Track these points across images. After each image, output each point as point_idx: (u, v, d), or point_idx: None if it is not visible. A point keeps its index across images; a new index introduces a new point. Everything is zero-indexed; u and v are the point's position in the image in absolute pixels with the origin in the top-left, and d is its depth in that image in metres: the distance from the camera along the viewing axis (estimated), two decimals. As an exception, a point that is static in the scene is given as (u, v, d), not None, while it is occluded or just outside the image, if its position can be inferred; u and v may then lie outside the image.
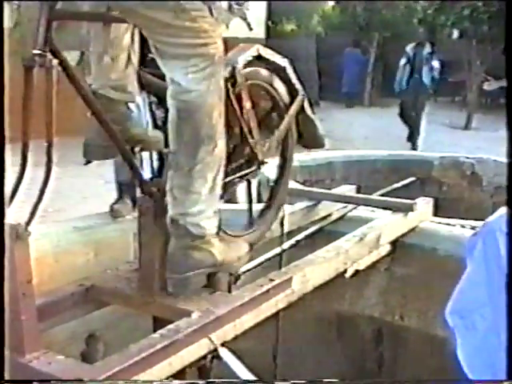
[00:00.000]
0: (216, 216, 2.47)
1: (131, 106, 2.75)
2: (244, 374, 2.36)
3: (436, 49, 12.14)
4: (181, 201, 2.37)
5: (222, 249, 2.51)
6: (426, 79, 11.88)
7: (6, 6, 1.93)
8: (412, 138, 11.94)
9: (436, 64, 12.01)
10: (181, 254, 2.43)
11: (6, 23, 1.89)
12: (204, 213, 2.40)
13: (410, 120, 12.06)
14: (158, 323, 2.54)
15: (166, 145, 2.49)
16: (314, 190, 4.44)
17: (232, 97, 2.60)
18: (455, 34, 18.22)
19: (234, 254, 2.61)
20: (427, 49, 11.87)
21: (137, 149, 2.74)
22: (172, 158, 2.37)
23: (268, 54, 2.85)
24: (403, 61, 11.92)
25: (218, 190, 2.44)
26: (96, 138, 2.47)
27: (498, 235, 2.76)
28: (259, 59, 2.81)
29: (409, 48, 11.98)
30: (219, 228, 2.53)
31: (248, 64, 2.72)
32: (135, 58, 2.61)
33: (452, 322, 2.87)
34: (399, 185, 5.10)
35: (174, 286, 2.49)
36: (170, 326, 2.32)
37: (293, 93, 2.99)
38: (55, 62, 1.96)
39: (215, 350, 2.38)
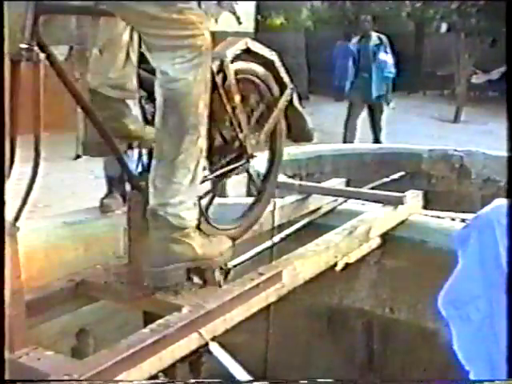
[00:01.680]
0: (196, 208, 2.46)
1: (129, 102, 2.75)
2: (235, 368, 2.35)
3: (386, 39, 10.07)
4: (162, 191, 2.36)
5: (202, 242, 2.50)
6: (375, 77, 9.93)
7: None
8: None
9: (384, 57, 9.89)
10: (160, 246, 2.41)
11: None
12: (184, 203, 2.38)
13: (352, 129, 10.10)
14: (149, 318, 2.53)
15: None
16: (304, 183, 4.42)
17: (221, 90, 2.59)
18: (443, 27, 18.27)
19: (216, 248, 2.59)
20: (374, 41, 9.96)
21: (134, 145, 2.75)
22: (156, 148, 2.36)
23: (256, 47, 2.84)
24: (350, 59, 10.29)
25: (198, 182, 2.44)
26: (95, 135, 2.47)
27: (495, 227, 2.77)
28: (248, 53, 2.80)
29: (352, 43, 10.44)
30: (199, 220, 2.51)
31: (237, 57, 2.71)
32: (134, 57, 2.61)
33: (446, 313, 2.89)
34: (388, 179, 5.09)
35: (152, 279, 2.47)
36: (160, 321, 2.31)
37: (281, 86, 2.97)
38: (42, 56, 1.94)
39: (206, 344, 2.37)
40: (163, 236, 2.41)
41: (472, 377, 2.68)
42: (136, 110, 2.83)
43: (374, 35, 10.02)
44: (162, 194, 2.36)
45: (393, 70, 10.14)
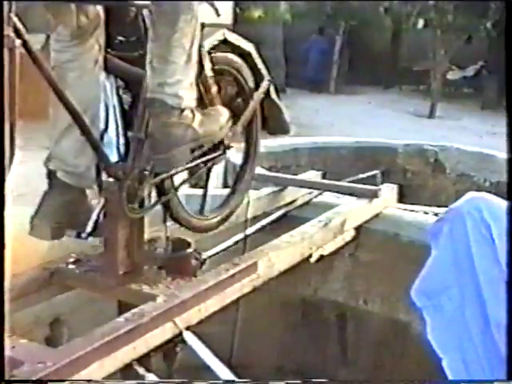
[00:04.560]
0: (192, 88, 2.46)
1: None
2: (209, 357, 2.35)
3: None
4: (160, 71, 2.36)
5: (201, 121, 2.50)
6: None
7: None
8: None
9: None
10: (161, 133, 2.41)
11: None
12: (182, 83, 2.39)
13: None
14: (123, 307, 2.52)
15: (131, 129, 2.48)
16: (280, 175, 4.42)
17: (198, 81, 2.58)
18: (420, 23, 18.34)
19: (215, 124, 2.60)
20: None
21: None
22: (151, 30, 2.37)
23: (234, 38, 2.84)
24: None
25: (194, 61, 2.44)
26: None
27: (466, 219, 2.80)
28: (225, 44, 2.80)
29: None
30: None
31: (214, 48, 2.71)
32: (102, 42, 2.59)
33: (420, 303, 2.91)
34: (364, 175, 5.10)
35: (160, 165, 2.50)
36: (135, 310, 2.30)
37: (258, 78, 2.97)
38: (18, 42, 1.92)
39: (180, 334, 2.37)
40: (162, 122, 2.40)
41: (445, 365, 2.71)
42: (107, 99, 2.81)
43: None
44: (160, 73, 2.36)
45: None
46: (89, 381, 2.02)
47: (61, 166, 2.56)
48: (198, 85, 2.56)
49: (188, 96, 2.43)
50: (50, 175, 2.58)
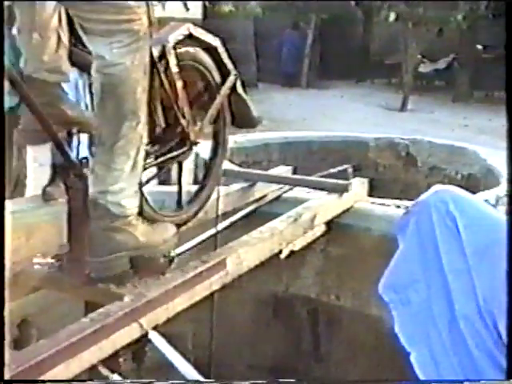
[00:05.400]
0: (137, 196, 2.43)
1: (66, 88, 2.71)
2: (175, 357, 2.34)
3: None
4: (102, 178, 2.32)
5: (145, 230, 2.47)
6: None
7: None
8: None
9: None
10: (101, 236, 2.38)
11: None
12: (125, 191, 2.35)
13: None
14: (91, 307, 2.49)
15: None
16: (250, 171, 4.42)
17: (163, 76, 2.56)
18: (392, 16, 18.41)
19: (159, 236, 2.55)
20: None
21: (74, 131, 2.71)
22: (96, 134, 2.33)
23: (199, 33, 2.81)
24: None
25: (140, 169, 2.41)
26: (30, 122, 2.43)
27: (432, 212, 2.80)
28: (191, 38, 2.77)
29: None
30: (141, 208, 2.48)
31: (179, 43, 2.68)
32: (65, 38, 2.57)
33: (387, 297, 2.92)
34: (335, 170, 5.10)
35: (95, 270, 2.44)
36: (101, 310, 2.28)
37: (225, 72, 2.95)
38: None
39: (146, 334, 2.35)
40: (104, 225, 2.37)
41: (412, 359, 2.72)
42: (79, 96, 2.79)
43: None
44: (102, 180, 2.33)
45: None
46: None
47: (37, 65, 2.56)
48: (161, 82, 2.54)
49: (131, 204, 2.40)
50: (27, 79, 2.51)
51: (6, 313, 1.85)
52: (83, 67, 2.58)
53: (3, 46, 1.79)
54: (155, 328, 2.39)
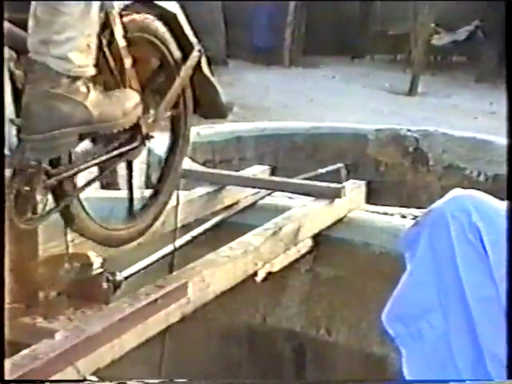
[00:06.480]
0: (89, 52, 2.34)
1: None
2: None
3: None
4: (45, 23, 2.23)
5: (98, 100, 2.39)
6: None
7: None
8: None
9: None
10: (40, 105, 2.27)
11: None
12: (73, 41, 2.26)
13: None
14: (13, 347, 2.48)
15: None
16: (217, 171, 4.42)
17: (107, 52, 2.54)
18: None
19: (117, 108, 2.50)
20: None
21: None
22: None
23: (153, -5, 2.82)
24: None
25: (94, 13, 2.33)
26: None
27: (450, 223, 2.80)
28: (142, 4, 2.77)
29: None
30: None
31: (127, 10, 2.67)
32: None
33: (393, 331, 2.92)
34: (324, 170, 5.12)
35: (33, 149, 2.29)
36: (26, 352, 2.26)
37: (186, 47, 2.95)
38: None
39: (83, 380, 2.34)
40: (44, 92, 2.27)
41: None
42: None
43: None
44: (45, 26, 2.23)
45: None
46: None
47: None
48: (104, 56, 2.52)
49: (81, 61, 2.30)
50: None
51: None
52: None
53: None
54: (96, 373, 2.38)
